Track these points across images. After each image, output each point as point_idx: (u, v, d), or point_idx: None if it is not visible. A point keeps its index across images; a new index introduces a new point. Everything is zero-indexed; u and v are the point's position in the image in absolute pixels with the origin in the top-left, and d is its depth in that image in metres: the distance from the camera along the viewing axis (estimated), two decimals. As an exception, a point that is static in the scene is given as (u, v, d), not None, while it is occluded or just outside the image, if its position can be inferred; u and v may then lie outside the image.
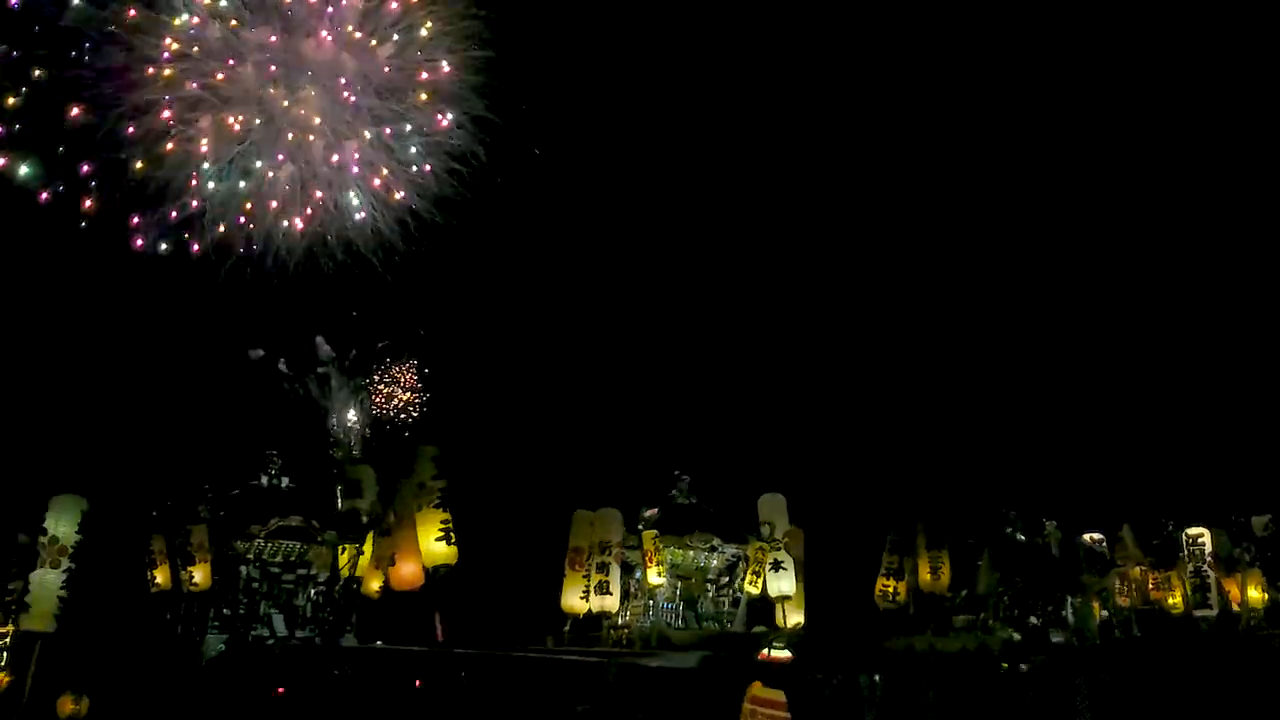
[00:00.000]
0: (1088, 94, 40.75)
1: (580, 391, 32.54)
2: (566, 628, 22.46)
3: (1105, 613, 27.17)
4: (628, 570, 23.70)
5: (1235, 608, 28.11)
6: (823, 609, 25.08)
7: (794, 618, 23.93)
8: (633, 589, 24.15)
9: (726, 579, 25.13)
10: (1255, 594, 28.46)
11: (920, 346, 37.93)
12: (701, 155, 37.06)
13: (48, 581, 19.48)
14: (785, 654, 16.50)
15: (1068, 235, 39.78)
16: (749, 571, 23.63)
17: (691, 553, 24.77)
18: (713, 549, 24.80)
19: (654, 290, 35.03)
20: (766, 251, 37.96)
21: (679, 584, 24.76)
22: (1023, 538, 26.42)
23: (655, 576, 23.26)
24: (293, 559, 23.95)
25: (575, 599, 22.23)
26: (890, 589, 24.97)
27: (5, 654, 17.37)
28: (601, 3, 33.51)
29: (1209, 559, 27.42)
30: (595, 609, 21.80)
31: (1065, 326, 38.93)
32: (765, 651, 16.99)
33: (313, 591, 23.71)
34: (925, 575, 24.58)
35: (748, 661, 14.32)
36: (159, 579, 22.22)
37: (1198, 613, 27.39)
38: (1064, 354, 38.37)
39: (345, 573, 22.23)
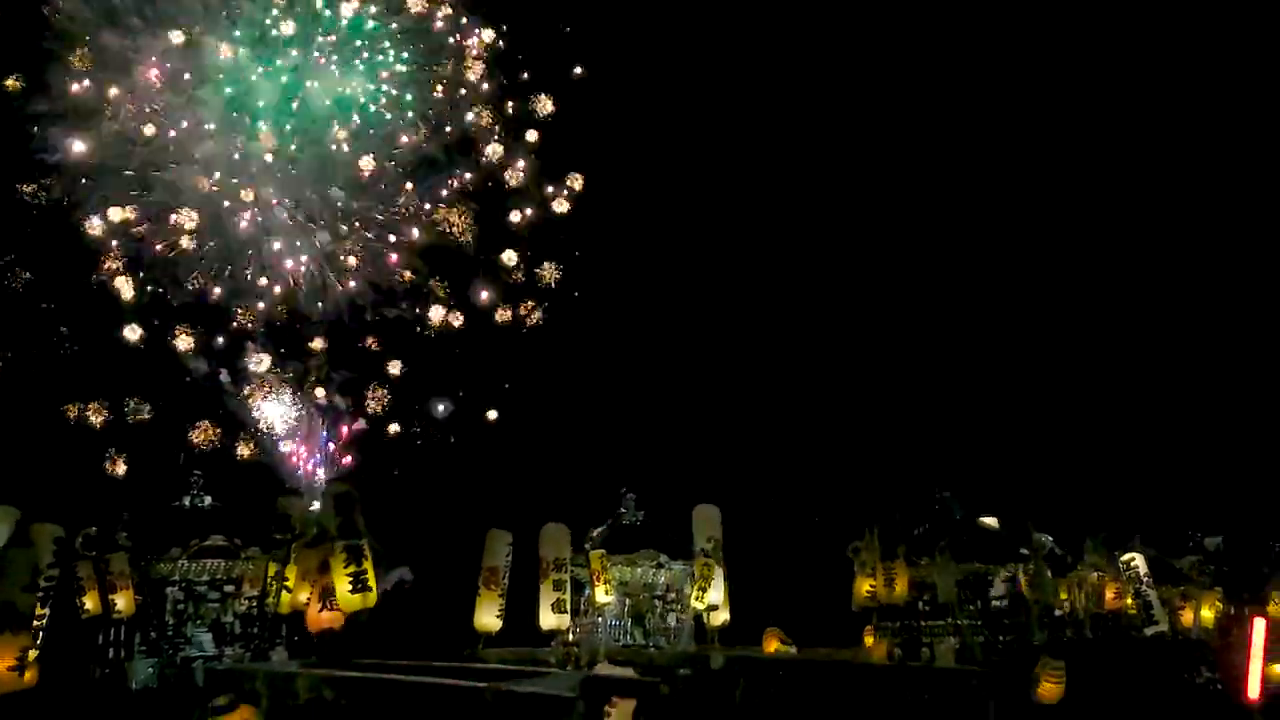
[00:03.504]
0: (1088, 94, 42.42)
1: (524, 408, 33.55)
2: (480, 645, 23.44)
3: (1059, 613, 28.75)
4: (577, 588, 24.99)
5: (1188, 625, 30.17)
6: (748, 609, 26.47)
7: (721, 617, 25.42)
8: (582, 606, 25.48)
9: (674, 595, 26.42)
10: (1207, 613, 30.49)
11: (868, 348, 39.46)
12: (651, 171, 38.00)
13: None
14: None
15: (1016, 240, 41.45)
16: (695, 587, 24.90)
17: (639, 570, 26.16)
18: (659, 566, 26.17)
19: (599, 308, 35.96)
20: (706, 256, 39.15)
21: (627, 601, 26.18)
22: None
23: (603, 595, 24.78)
24: (218, 577, 24.82)
25: (490, 618, 23.27)
26: (872, 587, 25.74)
27: None
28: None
29: (1145, 579, 29.19)
30: (551, 627, 22.87)
31: (1023, 333, 40.73)
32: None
33: (241, 608, 24.56)
34: (881, 588, 25.34)
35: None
36: (89, 605, 23.12)
37: (1147, 630, 29.17)
38: (1023, 361, 40.24)
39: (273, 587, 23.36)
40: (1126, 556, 29.60)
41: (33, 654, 17.65)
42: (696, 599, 24.80)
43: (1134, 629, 29.30)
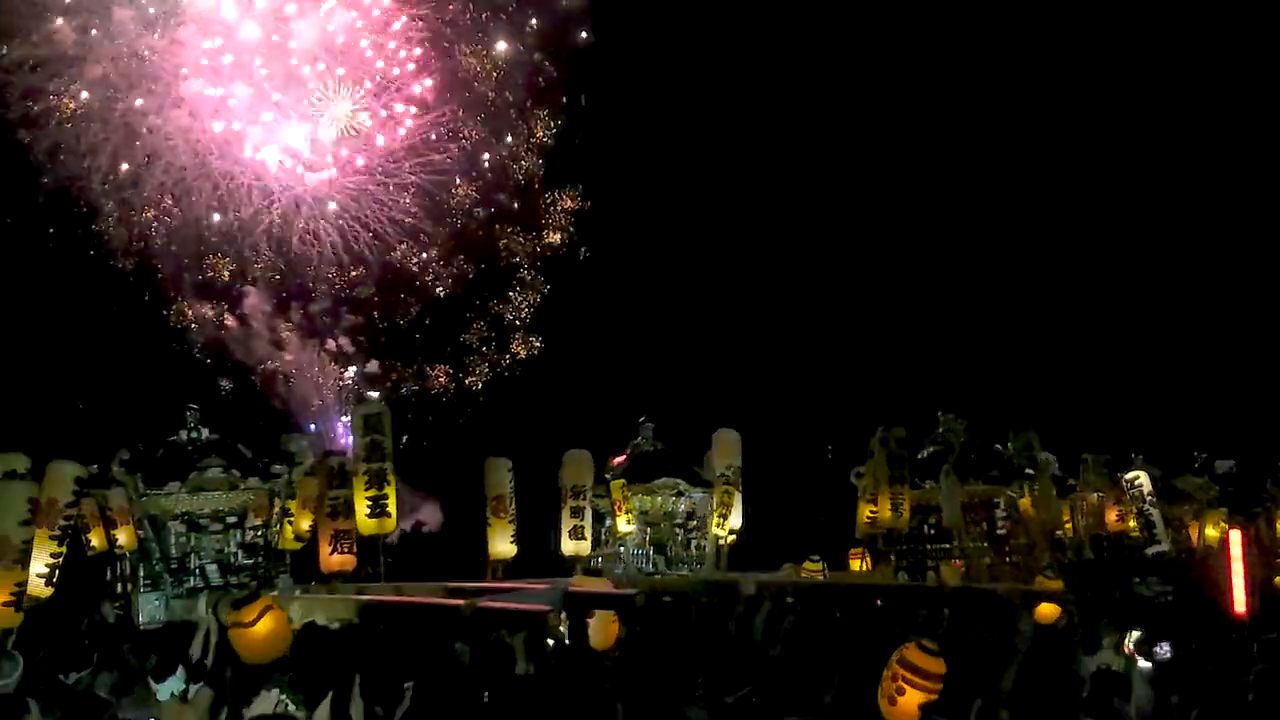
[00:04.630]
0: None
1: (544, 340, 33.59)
2: (497, 572, 23.53)
3: (1059, 534, 28.92)
4: (597, 519, 25.15)
5: (1195, 544, 30.39)
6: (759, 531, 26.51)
7: (730, 538, 25.59)
8: (603, 537, 25.71)
9: (694, 523, 26.51)
10: (1212, 531, 30.67)
11: (881, 271, 39.71)
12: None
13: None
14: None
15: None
16: (716, 514, 25.00)
17: (659, 499, 26.26)
18: (679, 494, 26.23)
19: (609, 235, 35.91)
20: (724, 182, 39.18)
21: (648, 530, 26.29)
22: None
23: (624, 524, 24.94)
24: (220, 509, 24.82)
25: (504, 545, 23.32)
26: (873, 513, 25.62)
27: None
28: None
29: (1149, 498, 29.05)
30: (572, 553, 22.97)
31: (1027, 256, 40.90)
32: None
33: (244, 538, 24.57)
34: (886, 512, 25.09)
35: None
36: (94, 542, 23.06)
37: (1149, 550, 29.05)
38: (1026, 283, 40.46)
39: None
40: (1130, 475, 29.40)
41: (41, 588, 17.58)
42: (717, 526, 24.95)
43: (1136, 550, 29.49)
